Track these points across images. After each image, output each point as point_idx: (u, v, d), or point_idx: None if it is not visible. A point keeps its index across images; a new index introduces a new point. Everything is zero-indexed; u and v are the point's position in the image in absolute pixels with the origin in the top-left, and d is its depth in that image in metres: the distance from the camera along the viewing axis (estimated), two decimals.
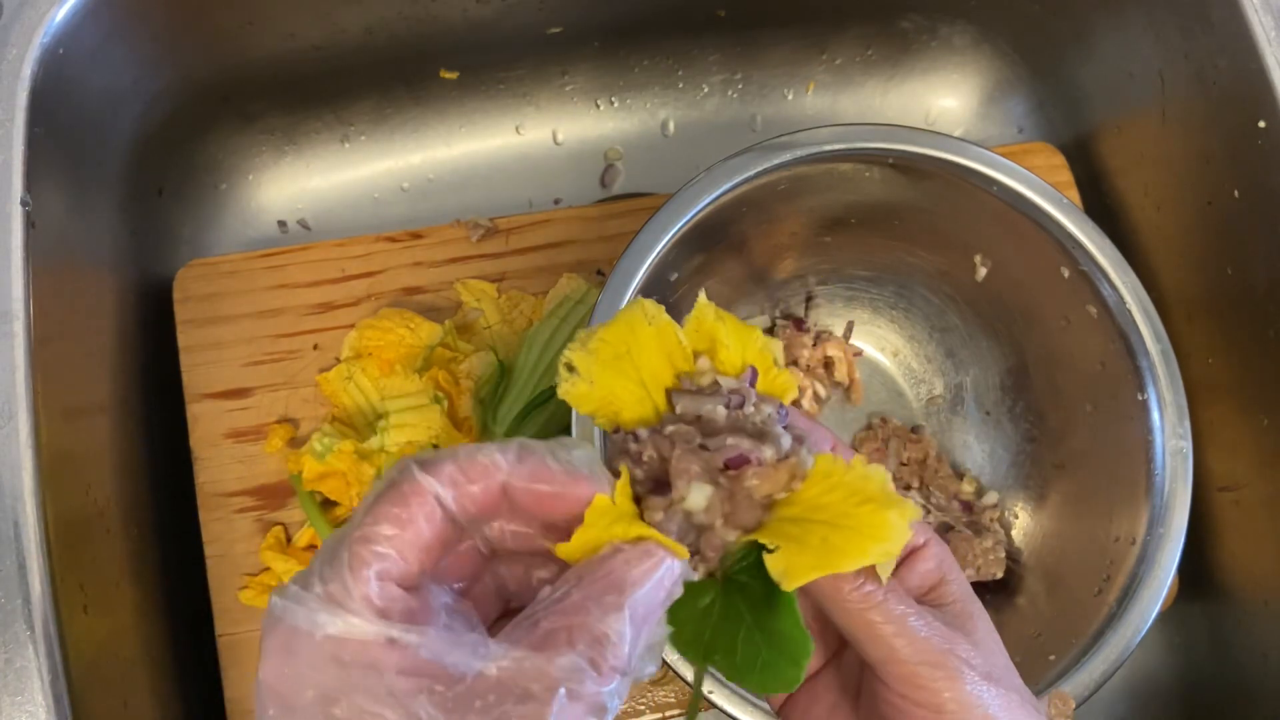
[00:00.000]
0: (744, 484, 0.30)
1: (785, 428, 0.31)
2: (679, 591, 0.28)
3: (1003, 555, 0.56)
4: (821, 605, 0.32)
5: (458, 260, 0.61)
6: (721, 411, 0.30)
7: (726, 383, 0.31)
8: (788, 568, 0.28)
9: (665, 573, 0.27)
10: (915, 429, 0.62)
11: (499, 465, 0.27)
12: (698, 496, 0.29)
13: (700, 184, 0.50)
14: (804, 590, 0.29)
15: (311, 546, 0.56)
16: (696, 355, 0.32)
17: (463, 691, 0.24)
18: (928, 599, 0.33)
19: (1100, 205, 0.66)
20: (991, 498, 0.59)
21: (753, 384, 0.31)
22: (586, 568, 0.27)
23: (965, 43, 0.70)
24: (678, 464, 0.30)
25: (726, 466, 0.30)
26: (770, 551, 0.29)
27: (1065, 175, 0.65)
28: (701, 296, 0.32)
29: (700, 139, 0.72)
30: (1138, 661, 0.65)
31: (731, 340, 0.32)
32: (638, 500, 0.30)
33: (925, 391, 0.63)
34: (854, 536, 0.28)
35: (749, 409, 0.30)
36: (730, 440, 0.30)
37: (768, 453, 0.30)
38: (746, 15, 0.67)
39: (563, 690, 0.24)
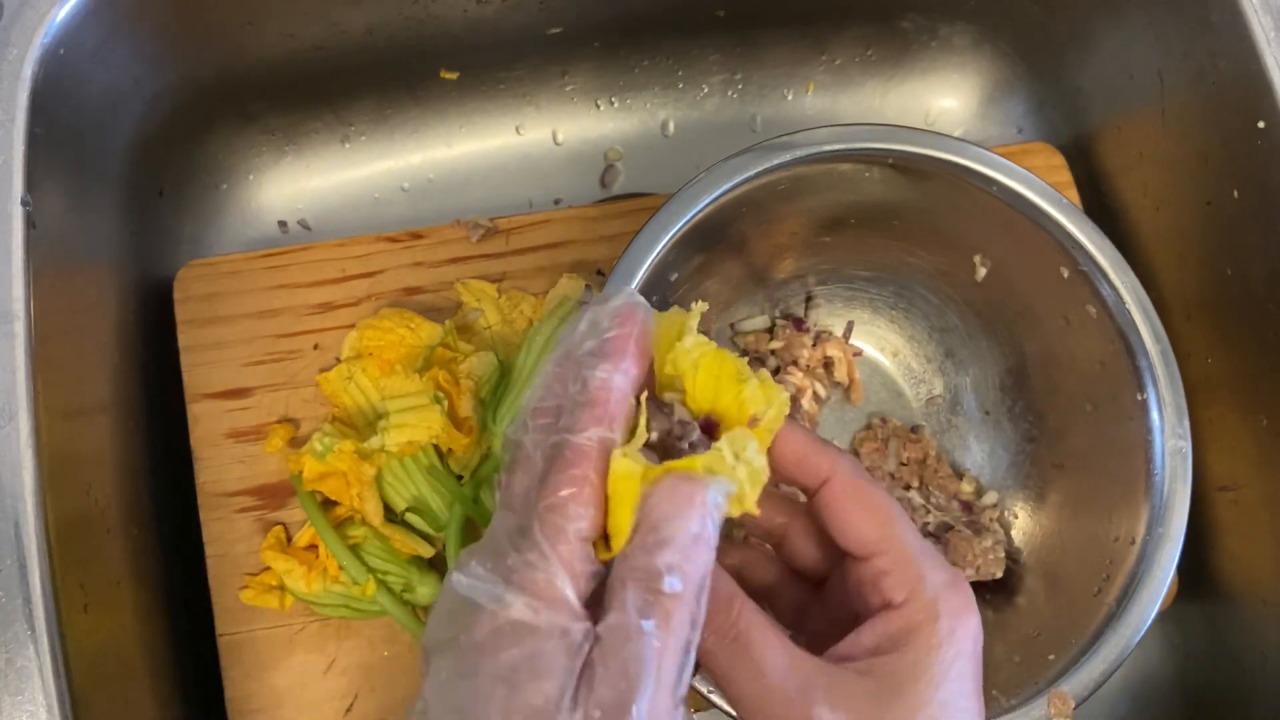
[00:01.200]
0: None
1: None
2: (723, 504, 0.30)
3: (1002, 555, 0.56)
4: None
5: (458, 260, 0.61)
6: (656, 434, 0.32)
7: (680, 412, 0.33)
8: None
9: (696, 498, 0.29)
10: (915, 429, 0.62)
11: (618, 388, 0.31)
12: None
13: (700, 184, 0.50)
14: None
15: (312, 546, 0.56)
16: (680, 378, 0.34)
17: (596, 667, 0.28)
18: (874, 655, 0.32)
19: (1100, 205, 0.66)
20: (991, 498, 0.59)
21: (707, 430, 0.33)
22: (634, 525, 0.29)
23: (965, 43, 0.70)
24: None
25: None
26: None
27: (1065, 175, 0.65)
28: (696, 337, 0.33)
29: (700, 139, 0.72)
30: (1137, 661, 0.65)
31: (699, 387, 0.33)
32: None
33: (925, 391, 0.63)
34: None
35: (684, 445, 0.32)
36: None
37: None
38: (746, 15, 0.67)
39: (648, 626, 0.27)
